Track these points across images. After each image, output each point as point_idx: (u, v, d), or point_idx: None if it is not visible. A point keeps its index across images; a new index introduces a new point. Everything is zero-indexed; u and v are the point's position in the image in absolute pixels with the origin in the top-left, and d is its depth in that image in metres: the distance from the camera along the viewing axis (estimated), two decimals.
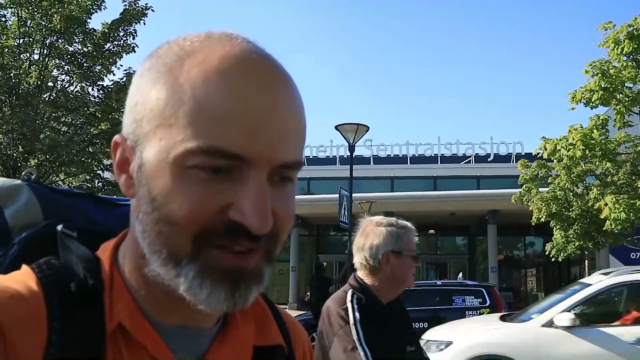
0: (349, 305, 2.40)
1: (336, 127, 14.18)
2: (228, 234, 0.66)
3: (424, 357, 2.72)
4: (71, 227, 0.80)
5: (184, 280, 0.67)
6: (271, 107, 0.66)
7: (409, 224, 2.61)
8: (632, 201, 13.84)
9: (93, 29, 15.76)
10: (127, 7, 15.95)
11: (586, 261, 22.63)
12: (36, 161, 15.30)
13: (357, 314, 2.36)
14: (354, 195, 15.07)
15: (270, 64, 0.70)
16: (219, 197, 0.65)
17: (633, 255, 24.78)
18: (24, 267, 0.74)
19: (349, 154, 14.33)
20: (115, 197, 1.01)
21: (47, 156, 15.24)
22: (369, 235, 2.54)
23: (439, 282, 17.17)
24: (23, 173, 0.94)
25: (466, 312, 14.27)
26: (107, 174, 16.28)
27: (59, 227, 0.79)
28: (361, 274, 2.56)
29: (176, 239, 0.66)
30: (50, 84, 15.74)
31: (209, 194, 0.65)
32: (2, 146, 14.81)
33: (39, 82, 15.15)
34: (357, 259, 2.57)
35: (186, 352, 0.75)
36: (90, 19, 15.69)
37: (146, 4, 16.06)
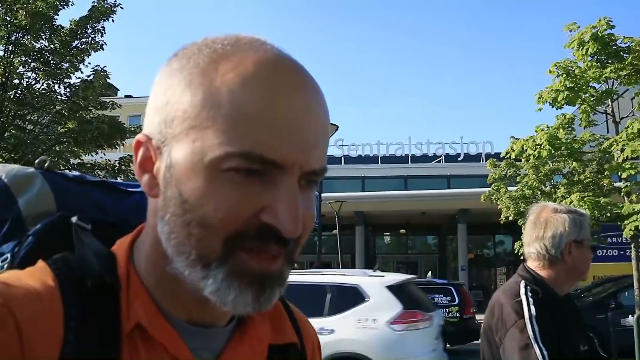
0: (523, 298, 2.23)
1: None
2: (260, 238, 0.66)
3: (600, 357, 2.56)
4: (85, 218, 0.79)
5: (212, 282, 0.67)
6: (305, 113, 0.67)
7: (584, 211, 2.44)
8: (596, 199, 14.08)
9: (60, 25, 15.56)
10: (95, 3, 15.80)
11: None
12: (1, 160, 15.06)
13: (532, 309, 2.19)
14: (324, 194, 15.12)
15: (302, 70, 0.70)
16: (254, 201, 0.66)
17: (600, 252, 25.18)
18: (40, 262, 0.73)
19: None
20: (127, 182, 0.99)
21: (12, 155, 15.00)
22: (548, 223, 2.34)
23: None
24: (36, 161, 0.93)
25: None
26: (74, 173, 16.07)
27: (74, 220, 0.78)
28: (534, 265, 2.38)
29: (208, 241, 0.66)
30: (15, 81, 15.51)
31: (244, 197, 0.65)
32: None
33: (3, 79, 14.92)
34: (533, 249, 2.38)
35: (204, 350, 0.75)
36: (58, 15, 15.50)
37: (115, 1, 15.91)
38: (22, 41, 15.24)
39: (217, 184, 0.65)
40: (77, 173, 1.00)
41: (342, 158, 37.21)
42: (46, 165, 0.92)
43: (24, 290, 0.66)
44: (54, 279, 0.70)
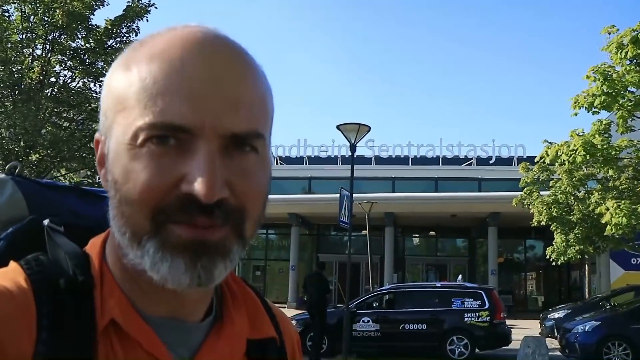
0: None
1: (338, 127, 14.15)
2: (183, 209, 0.65)
3: None
4: (57, 221, 0.79)
5: (147, 258, 0.67)
6: (215, 77, 0.67)
7: None
8: (633, 206, 13.80)
9: (96, 25, 15.80)
10: (130, 3, 16.01)
11: (586, 265, 22.61)
12: (37, 156, 15.33)
13: None
14: (354, 195, 15.05)
15: (218, 39, 0.70)
16: (171, 171, 0.65)
17: (634, 261, 24.76)
18: (12, 263, 0.73)
19: (350, 154, 14.30)
20: (101, 189, 0.99)
21: (49, 151, 15.28)
22: None
23: (438, 284, 17.13)
24: (7, 167, 0.93)
25: (465, 314, 14.26)
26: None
27: (46, 222, 0.78)
28: None
29: (135, 218, 0.67)
30: (52, 79, 15.79)
31: (161, 169, 0.65)
32: (4, 141, 14.83)
33: (41, 78, 15.19)
34: None
35: (180, 346, 0.74)
36: (93, 15, 15.75)
37: (149, 1, 16.10)
38: (59, 40, 15.52)
39: (136, 160, 0.66)
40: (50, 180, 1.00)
41: (373, 159, 37.13)
42: (17, 171, 0.92)
43: None
44: (26, 279, 0.69)
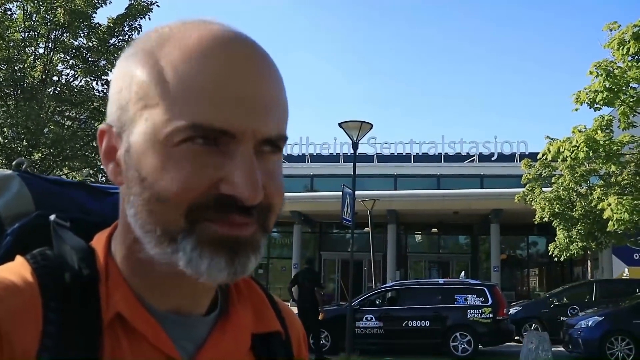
0: None
1: (340, 125, 14.17)
2: (219, 209, 0.67)
3: None
4: (64, 217, 0.79)
5: (182, 254, 0.68)
6: (252, 81, 0.68)
7: None
8: (635, 202, 13.82)
9: (98, 23, 15.82)
10: (132, 2, 16.01)
11: (589, 261, 22.63)
12: (40, 155, 15.34)
13: None
14: (357, 192, 15.06)
15: (249, 41, 0.72)
16: (209, 172, 0.67)
17: (636, 256, 24.73)
18: (18, 257, 0.73)
19: (352, 151, 14.32)
20: (107, 185, 1.00)
21: (51, 150, 15.30)
22: None
23: (441, 281, 17.15)
24: (14, 163, 0.94)
25: (468, 310, 14.29)
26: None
27: (52, 217, 0.79)
28: None
29: (169, 215, 0.67)
30: (54, 78, 15.82)
31: (199, 169, 0.66)
32: (6, 140, 14.86)
33: (43, 76, 15.20)
34: None
35: (186, 340, 0.75)
36: (96, 13, 15.77)
37: None
38: (62, 39, 15.53)
39: (171, 158, 0.67)
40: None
41: (375, 156, 37.10)
42: (23, 167, 0.92)
43: (2, 285, 0.67)
44: (32, 273, 0.70)
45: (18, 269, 0.70)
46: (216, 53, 0.68)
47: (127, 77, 0.72)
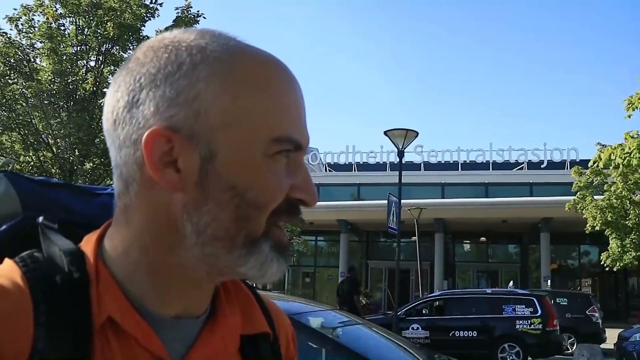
0: None
1: (385, 133, 14.13)
2: (289, 212, 0.75)
3: None
4: (51, 218, 0.80)
5: (257, 257, 0.73)
6: (302, 100, 0.78)
7: None
8: None
9: (146, 36, 16.17)
10: (180, 14, 16.32)
11: None
12: (91, 165, 15.74)
13: None
14: (403, 201, 14.98)
15: (291, 72, 0.79)
16: (288, 180, 0.74)
17: None
18: (7, 260, 0.73)
19: (398, 159, 14.25)
20: (93, 186, 0.99)
21: (102, 160, 15.65)
22: None
23: (489, 291, 16.89)
24: (0, 164, 0.93)
25: (516, 321, 14.02)
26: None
27: (40, 219, 0.78)
28: None
29: (258, 220, 0.73)
30: (105, 90, 16.15)
31: (284, 177, 0.74)
32: (59, 150, 15.27)
33: (94, 88, 15.61)
34: None
35: (175, 341, 0.75)
36: (144, 26, 16.13)
37: (198, 11, 16.48)
38: (111, 52, 15.92)
39: (265, 167, 0.72)
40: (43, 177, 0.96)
41: (422, 164, 36.88)
42: (10, 168, 0.92)
43: None
44: (21, 276, 0.69)
45: (7, 273, 0.70)
46: (282, 76, 0.76)
47: (202, 86, 0.72)
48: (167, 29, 16.06)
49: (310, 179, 0.77)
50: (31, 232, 0.78)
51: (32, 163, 15.23)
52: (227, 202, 0.71)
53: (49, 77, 15.06)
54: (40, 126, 15.31)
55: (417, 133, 14.06)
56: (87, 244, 0.77)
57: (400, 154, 14.08)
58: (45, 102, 15.15)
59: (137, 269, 0.74)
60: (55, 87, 15.19)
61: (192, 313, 0.78)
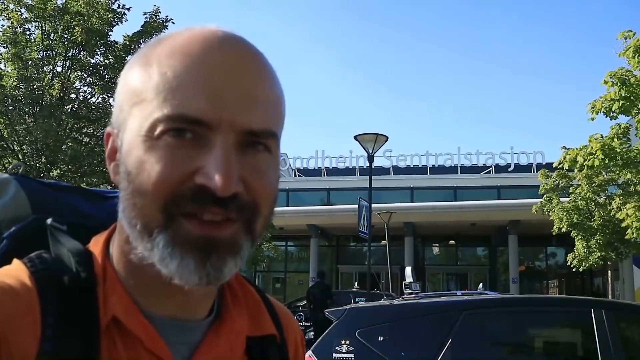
0: None
1: (355, 137, 14.20)
2: (195, 200, 0.66)
3: None
4: (61, 220, 0.80)
5: (156, 251, 0.68)
6: (233, 74, 0.69)
7: None
8: None
9: (114, 41, 16.00)
10: (148, 19, 16.19)
11: (609, 272, 22.35)
12: (59, 172, 15.50)
13: None
14: (373, 205, 15.06)
15: (239, 40, 0.73)
16: (186, 163, 0.67)
17: None
18: (16, 261, 0.73)
19: (368, 164, 14.33)
20: (104, 189, 1.00)
21: (70, 167, 15.45)
22: None
23: (459, 293, 17.02)
24: (10, 167, 0.94)
25: None
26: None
27: (49, 221, 0.79)
28: None
29: (147, 209, 0.68)
30: (72, 95, 15.98)
31: (176, 160, 0.67)
32: (26, 156, 15.01)
33: (61, 94, 15.38)
34: None
35: (180, 344, 0.75)
36: (112, 31, 15.94)
37: (166, 16, 16.34)
38: (79, 57, 15.70)
39: (151, 151, 0.67)
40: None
41: (391, 169, 37.07)
42: (20, 170, 0.92)
43: (0, 289, 0.67)
44: (30, 276, 0.70)
45: (16, 273, 0.70)
46: (199, 48, 0.69)
47: (124, 79, 0.75)
48: (135, 34, 16.01)
49: (221, 159, 0.66)
50: (41, 233, 0.78)
51: None
52: (125, 189, 0.70)
53: (14, 83, 14.81)
54: (5, 133, 15.06)
55: (387, 137, 14.16)
56: (95, 245, 0.78)
57: (371, 158, 14.16)
58: (10, 107, 14.88)
59: (124, 266, 0.75)
60: (20, 92, 14.93)
61: (193, 315, 0.77)
